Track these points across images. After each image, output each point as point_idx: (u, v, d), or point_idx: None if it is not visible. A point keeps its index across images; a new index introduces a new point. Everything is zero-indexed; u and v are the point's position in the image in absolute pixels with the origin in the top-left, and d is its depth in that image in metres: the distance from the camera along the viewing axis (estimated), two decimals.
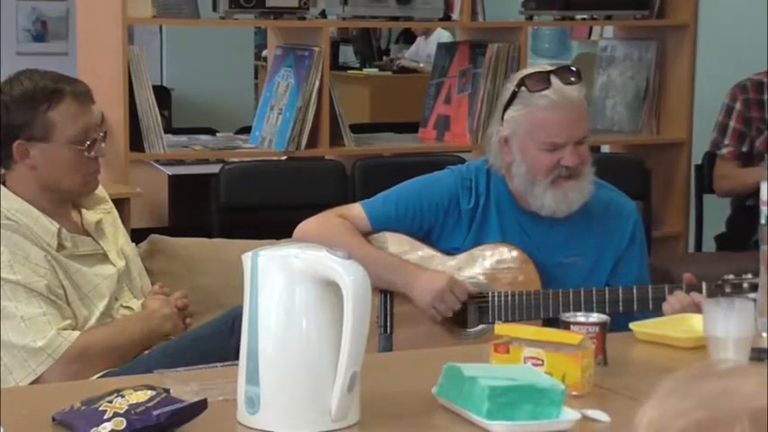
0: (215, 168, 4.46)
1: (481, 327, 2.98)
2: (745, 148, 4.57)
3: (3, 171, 2.89)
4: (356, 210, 3.07)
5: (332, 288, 2.03)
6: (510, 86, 2.98)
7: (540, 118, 2.90)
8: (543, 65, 3.12)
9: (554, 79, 2.90)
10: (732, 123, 4.58)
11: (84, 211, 2.97)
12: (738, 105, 4.57)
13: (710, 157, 4.70)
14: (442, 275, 2.95)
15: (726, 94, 4.67)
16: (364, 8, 4.60)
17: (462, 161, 3.81)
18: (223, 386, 2.19)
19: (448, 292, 2.92)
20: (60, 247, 2.84)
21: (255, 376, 2.06)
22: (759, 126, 4.56)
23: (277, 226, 3.19)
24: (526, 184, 2.96)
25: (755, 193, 4.26)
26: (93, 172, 2.90)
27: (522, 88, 2.92)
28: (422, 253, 3.03)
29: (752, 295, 2.61)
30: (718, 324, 2.35)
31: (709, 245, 4.91)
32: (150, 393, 2.02)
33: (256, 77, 8.15)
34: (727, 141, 4.59)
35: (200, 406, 2.02)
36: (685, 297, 2.81)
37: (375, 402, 2.14)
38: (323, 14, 4.70)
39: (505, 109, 2.96)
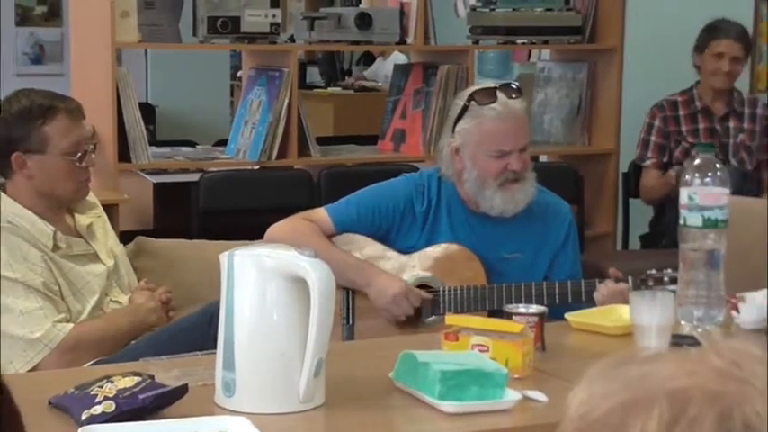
0: (195, 177, 4.44)
1: (433, 318, 2.97)
2: (665, 159, 4.63)
3: (2, 180, 2.87)
4: (321, 213, 3.07)
5: (300, 284, 2.02)
6: (459, 102, 2.99)
7: (489, 128, 2.91)
8: (489, 83, 3.14)
9: (499, 94, 2.92)
10: (653, 138, 4.64)
11: (76, 215, 2.95)
12: (657, 122, 4.64)
13: (636, 170, 4.74)
14: (398, 281, 2.94)
15: (647, 111, 4.72)
16: (328, 33, 4.59)
17: (416, 170, 3.81)
18: (202, 372, 2.18)
19: (403, 298, 2.91)
20: (55, 247, 2.82)
21: (231, 363, 2.05)
22: (677, 139, 4.63)
23: (251, 228, 3.18)
24: (477, 189, 2.97)
25: (676, 197, 4.34)
26: (84, 180, 2.89)
27: (472, 102, 2.93)
28: (381, 252, 3.03)
29: (672, 287, 2.63)
30: (643, 313, 2.36)
31: (634, 243, 4.94)
32: (137, 379, 2.01)
33: (232, 95, 8.11)
34: (650, 154, 4.64)
35: (182, 390, 2.01)
36: (613, 285, 2.83)
37: (339, 386, 2.14)
38: (292, 39, 4.68)
39: (456, 122, 2.97)
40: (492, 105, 2.91)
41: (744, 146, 4.61)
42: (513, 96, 2.93)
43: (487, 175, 2.93)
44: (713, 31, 4.60)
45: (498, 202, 2.95)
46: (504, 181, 2.93)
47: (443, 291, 2.98)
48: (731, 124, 4.62)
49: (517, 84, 3.05)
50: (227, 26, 4.34)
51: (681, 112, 4.64)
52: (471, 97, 2.93)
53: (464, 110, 2.95)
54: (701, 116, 4.62)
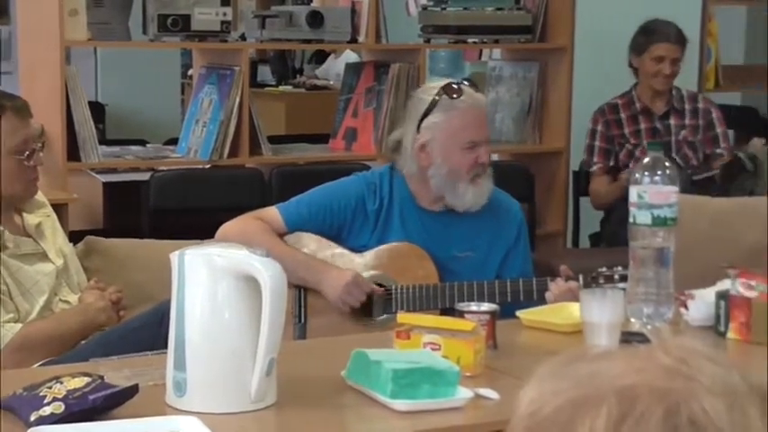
0: (145, 176, 4.41)
1: (386, 316, 2.98)
2: (611, 163, 4.68)
3: None
4: (273, 212, 3.06)
5: (251, 283, 2.01)
6: (426, 97, 2.99)
7: (460, 119, 2.94)
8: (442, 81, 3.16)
9: (465, 88, 2.97)
10: (597, 143, 4.69)
11: (25, 214, 2.92)
12: (600, 127, 4.68)
13: (585, 174, 4.78)
14: (348, 272, 2.95)
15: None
16: (280, 32, 4.58)
17: (368, 168, 3.81)
18: (153, 372, 2.16)
19: (354, 286, 2.91)
20: (3, 247, 2.79)
21: (182, 363, 2.04)
22: (620, 141, 4.67)
23: (202, 228, 3.16)
24: (447, 184, 2.98)
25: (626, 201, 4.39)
26: (32, 179, 2.86)
27: (443, 96, 2.95)
28: (332, 251, 3.02)
29: (622, 285, 2.65)
30: (593, 311, 2.38)
31: (584, 241, 4.97)
32: (86, 380, 1.99)
33: (183, 94, 8.06)
34: (596, 159, 4.69)
35: (132, 390, 2.00)
36: (564, 284, 2.85)
37: (290, 385, 2.13)
38: (243, 37, 4.66)
39: (423, 118, 2.98)
40: (462, 98, 2.95)
41: (686, 142, 4.67)
42: (476, 90, 3.02)
43: (460, 169, 2.95)
44: (651, 34, 4.64)
45: (470, 197, 2.98)
46: (475, 175, 2.96)
47: (395, 289, 2.98)
48: (672, 122, 4.68)
49: (472, 80, 3.10)
50: (177, 24, 4.31)
51: (622, 115, 4.69)
52: (441, 91, 2.96)
53: (433, 104, 2.96)
54: (641, 117, 4.68)
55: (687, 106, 4.71)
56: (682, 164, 4.63)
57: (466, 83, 3.02)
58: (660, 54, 4.60)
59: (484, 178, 2.98)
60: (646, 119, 4.68)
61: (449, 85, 2.98)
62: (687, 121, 4.69)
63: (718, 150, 4.71)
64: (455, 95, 2.95)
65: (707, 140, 4.70)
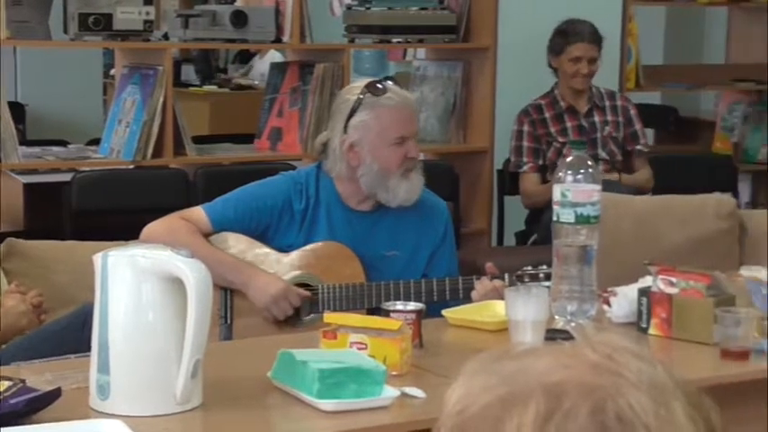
0: (67, 177, 4.35)
1: (312, 316, 2.97)
2: (540, 162, 4.71)
3: None
4: (198, 213, 3.03)
5: (176, 284, 2.00)
6: (350, 97, 2.99)
7: (388, 116, 2.95)
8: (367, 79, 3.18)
9: (390, 85, 2.98)
10: (525, 143, 4.73)
11: None
12: (526, 127, 4.73)
13: (512, 176, 4.81)
14: (277, 281, 2.93)
15: (524, 105, 4.80)
16: (203, 31, 4.55)
17: (294, 168, 3.80)
18: (76, 375, 2.13)
19: (282, 299, 2.90)
20: None
21: (106, 365, 2.02)
22: (547, 140, 4.72)
23: (126, 229, 3.13)
24: (378, 181, 2.98)
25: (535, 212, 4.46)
26: None
27: (367, 95, 2.95)
28: (258, 251, 3.01)
29: (546, 283, 2.67)
30: (518, 309, 2.40)
31: (509, 240, 5.00)
32: (7, 384, 1.96)
33: (105, 94, 7.97)
34: (526, 159, 4.72)
35: (55, 394, 1.97)
36: (489, 283, 2.87)
37: (216, 386, 2.12)
38: (166, 37, 4.62)
39: (349, 118, 2.97)
40: (388, 95, 2.95)
41: (611, 137, 4.74)
42: (401, 86, 3.03)
43: (390, 165, 2.95)
44: (567, 35, 4.71)
45: (402, 192, 2.98)
46: (406, 170, 2.97)
47: (322, 289, 2.98)
48: (596, 118, 4.75)
49: (395, 79, 3.11)
50: (99, 23, 4.26)
51: (546, 114, 4.75)
52: (366, 90, 2.96)
53: (359, 103, 2.96)
54: (566, 115, 4.74)
55: (607, 103, 4.79)
56: (609, 159, 4.69)
57: (390, 81, 3.04)
58: (577, 54, 4.67)
59: (415, 172, 2.99)
60: (571, 117, 4.74)
61: (372, 83, 2.99)
62: (609, 118, 4.76)
63: (639, 147, 4.78)
64: (379, 93, 2.95)
65: (627, 137, 4.77)
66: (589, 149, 4.63)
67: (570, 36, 4.69)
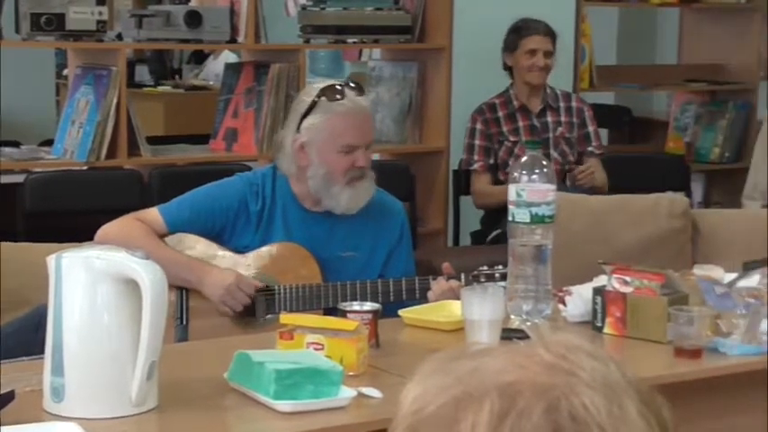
0: (20, 178, 4.32)
1: (269, 317, 2.96)
2: (491, 161, 4.74)
3: None
4: (153, 214, 3.02)
5: (131, 286, 1.99)
6: (306, 98, 2.98)
7: (338, 123, 2.93)
8: (322, 81, 3.16)
9: (347, 91, 2.95)
10: (477, 142, 4.76)
11: None
12: (479, 126, 4.76)
13: (466, 174, 4.83)
14: (230, 273, 2.93)
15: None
16: (157, 31, 4.53)
17: (249, 169, 3.79)
18: (30, 378, 2.12)
19: (236, 288, 2.90)
20: None
21: (60, 368, 2.00)
22: (499, 139, 4.75)
23: (80, 230, 3.11)
24: (323, 185, 2.97)
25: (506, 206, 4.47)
26: None
27: (322, 98, 2.94)
28: (214, 252, 3.00)
29: (502, 283, 2.68)
30: (474, 309, 2.40)
31: (467, 239, 5.02)
32: None
33: (58, 94, 7.91)
34: (476, 158, 4.75)
35: (8, 397, 1.95)
36: (445, 283, 2.87)
37: (172, 388, 2.11)
38: (119, 37, 4.60)
39: (303, 118, 2.97)
40: (341, 101, 2.93)
41: (563, 138, 4.78)
42: (361, 92, 2.98)
43: (335, 172, 2.94)
44: (521, 29, 4.76)
45: (345, 200, 2.97)
46: (351, 178, 2.95)
47: (278, 290, 2.97)
48: (549, 119, 4.79)
49: (358, 83, 3.09)
50: (51, 23, 4.23)
51: (500, 113, 4.78)
52: (321, 93, 2.95)
53: (312, 105, 2.95)
54: (519, 114, 4.77)
55: (562, 104, 4.82)
56: (560, 159, 4.72)
57: (352, 85, 3.01)
58: (532, 47, 4.71)
59: (363, 181, 2.97)
60: (523, 116, 4.77)
61: (330, 87, 2.97)
62: (563, 118, 4.80)
63: (590, 148, 4.81)
64: (334, 98, 2.94)
65: (580, 138, 4.81)
66: (542, 149, 4.66)
67: (524, 30, 4.73)
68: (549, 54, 4.75)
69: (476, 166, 4.74)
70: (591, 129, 4.83)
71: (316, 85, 3.08)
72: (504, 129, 4.76)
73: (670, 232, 4.01)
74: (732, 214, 4.44)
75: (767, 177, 5.13)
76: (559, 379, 0.88)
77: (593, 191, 4.58)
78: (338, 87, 2.96)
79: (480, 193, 4.76)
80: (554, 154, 4.72)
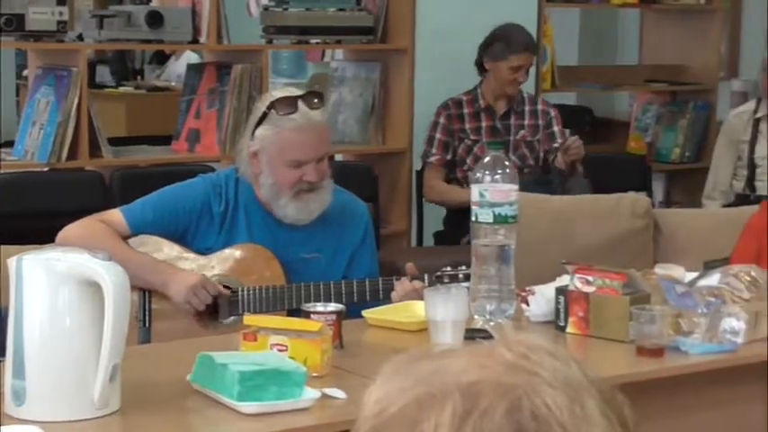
0: None
1: (232, 318, 2.96)
2: (449, 156, 4.76)
3: None
4: (116, 215, 3.01)
5: (93, 288, 1.98)
6: (261, 106, 2.97)
7: (286, 138, 2.91)
8: (293, 89, 3.16)
9: (301, 104, 2.92)
10: (438, 135, 4.77)
11: None
12: (442, 120, 4.78)
13: (422, 165, 4.85)
14: (194, 274, 2.92)
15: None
16: (118, 32, 4.50)
17: (212, 170, 3.78)
18: None
19: (200, 288, 2.89)
20: None
21: (21, 371, 1.99)
22: (460, 136, 4.78)
23: (41, 232, 3.08)
24: (272, 195, 2.97)
25: (456, 207, 4.50)
26: None
27: (272, 111, 2.92)
28: (177, 253, 2.99)
29: (465, 284, 2.69)
30: (438, 309, 2.41)
31: (430, 239, 5.03)
32: None
33: (18, 95, 7.85)
34: (434, 151, 4.77)
35: None
36: (409, 284, 2.88)
37: (135, 390, 2.10)
38: (80, 37, 4.56)
39: (256, 126, 2.96)
40: (291, 116, 2.90)
41: (524, 141, 4.80)
42: (316, 104, 2.93)
43: (282, 185, 2.94)
44: (510, 44, 4.73)
45: (291, 212, 2.96)
46: (299, 191, 2.94)
47: (242, 291, 2.97)
48: (512, 121, 4.81)
49: (321, 92, 3.06)
50: (11, 24, 4.19)
51: (465, 110, 4.81)
52: (272, 105, 2.93)
53: (264, 116, 2.94)
54: (483, 114, 4.79)
55: (527, 107, 4.85)
56: (518, 163, 4.75)
57: (316, 95, 2.97)
58: (519, 64, 4.73)
59: (313, 194, 2.95)
60: (487, 117, 4.79)
61: (282, 99, 2.93)
62: (526, 122, 4.83)
63: (555, 145, 4.84)
64: (285, 112, 2.91)
65: (545, 138, 4.84)
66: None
67: (513, 45, 4.73)
68: (529, 68, 4.80)
69: (432, 159, 4.77)
70: (556, 128, 4.86)
71: (275, 92, 3.06)
72: (467, 126, 4.78)
73: (632, 232, 4.04)
74: (693, 214, 4.48)
75: (727, 177, 5.19)
76: (521, 379, 0.88)
77: (573, 168, 4.61)
78: (292, 100, 2.92)
79: (430, 187, 4.79)
80: (513, 157, 4.74)
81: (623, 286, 2.55)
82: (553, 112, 4.89)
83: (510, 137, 4.79)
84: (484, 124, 4.79)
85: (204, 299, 2.90)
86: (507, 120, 4.81)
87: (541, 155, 4.82)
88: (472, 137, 4.76)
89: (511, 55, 4.73)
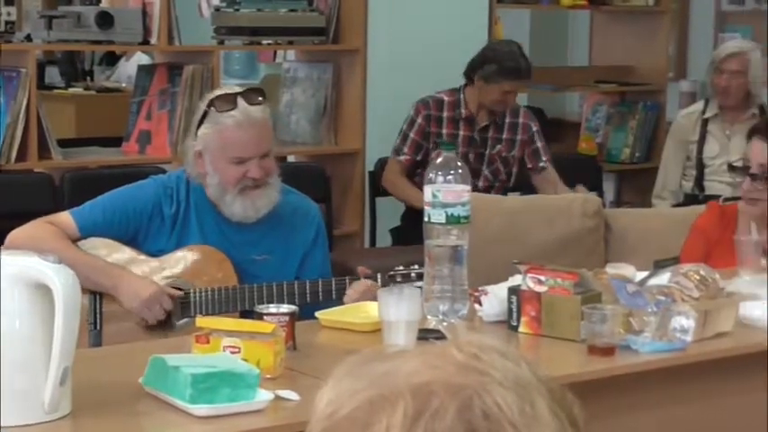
0: None
1: (184, 320, 2.94)
2: (419, 158, 4.72)
3: None
4: (65, 218, 2.98)
5: (43, 291, 1.96)
6: (202, 106, 2.97)
7: (227, 136, 2.90)
8: (232, 86, 3.13)
9: (240, 101, 2.91)
10: (412, 135, 4.72)
11: None
12: (420, 120, 4.71)
13: (389, 159, 4.82)
14: (149, 284, 2.89)
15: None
16: (68, 32, 4.47)
17: (163, 172, 3.76)
18: None
19: (155, 302, 2.87)
20: None
21: None
22: (435, 140, 4.70)
23: None
24: (218, 194, 2.96)
25: (411, 208, 4.49)
26: None
27: (212, 108, 2.91)
28: (129, 256, 2.97)
29: (418, 284, 2.69)
30: (391, 310, 2.41)
31: (383, 240, 5.03)
32: None
33: None
34: (406, 150, 4.73)
35: None
36: (362, 285, 2.88)
37: (86, 394, 2.09)
38: (28, 38, 4.52)
39: (198, 126, 2.95)
40: (231, 113, 2.90)
41: (500, 156, 4.75)
42: (255, 102, 2.93)
43: (226, 182, 2.93)
44: (505, 69, 4.60)
45: (238, 209, 2.95)
46: (244, 188, 2.93)
47: (194, 293, 2.95)
48: (490, 134, 4.75)
49: (261, 87, 3.05)
50: None
51: (445, 114, 4.72)
52: (211, 103, 2.92)
53: (204, 115, 2.93)
54: (463, 123, 4.72)
55: (507, 119, 4.77)
56: (490, 178, 4.72)
57: (257, 91, 2.97)
58: (510, 89, 4.65)
59: (259, 190, 2.94)
60: (466, 126, 4.73)
61: (221, 96, 2.93)
62: (504, 136, 4.75)
63: (541, 164, 4.80)
64: (224, 109, 2.91)
65: (529, 155, 4.78)
66: (475, 163, 4.67)
67: (507, 72, 4.60)
68: (519, 91, 4.72)
69: (402, 158, 4.72)
70: (540, 145, 4.78)
71: (217, 91, 3.05)
72: (444, 131, 4.70)
73: (583, 232, 4.07)
74: (643, 214, 4.52)
75: (676, 177, 5.24)
76: (472, 379, 0.89)
77: None
78: (231, 97, 2.92)
79: (390, 181, 4.76)
80: (485, 171, 4.71)
81: (575, 286, 2.56)
82: (535, 127, 4.79)
83: (486, 150, 4.74)
84: (462, 133, 4.72)
85: (157, 314, 2.88)
86: (486, 133, 4.74)
87: (514, 170, 4.78)
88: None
89: (503, 80, 4.60)
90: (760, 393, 2.59)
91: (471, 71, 4.70)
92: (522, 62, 4.69)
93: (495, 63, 4.64)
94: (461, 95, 4.73)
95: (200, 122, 2.95)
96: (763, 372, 2.59)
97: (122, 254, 2.97)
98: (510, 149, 4.75)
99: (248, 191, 2.93)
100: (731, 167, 3.37)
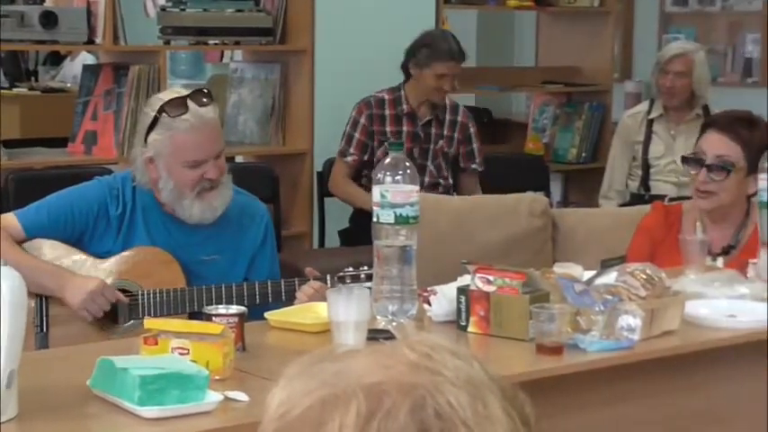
0: None
1: (132, 322, 2.93)
2: (366, 157, 4.74)
3: None
4: (10, 219, 2.96)
5: None
6: (150, 112, 2.94)
7: (181, 140, 2.89)
8: (178, 87, 3.12)
9: (190, 103, 2.90)
10: (357, 135, 4.75)
11: None
12: (363, 120, 4.74)
13: (335, 160, 4.83)
14: (92, 279, 2.88)
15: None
16: (11, 32, 4.42)
17: (110, 172, 3.73)
18: None
19: (98, 294, 2.85)
20: None
21: None
22: (380, 138, 4.74)
23: None
24: (174, 198, 2.95)
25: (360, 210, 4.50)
26: None
27: (163, 114, 2.89)
28: (75, 257, 2.95)
29: (368, 284, 2.70)
30: (340, 310, 2.41)
31: (332, 240, 5.03)
32: None
33: None
34: (352, 150, 4.75)
35: None
36: (312, 285, 2.88)
37: (33, 396, 2.07)
38: None
39: (148, 132, 2.93)
40: (184, 117, 2.88)
41: (442, 152, 4.79)
42: (205, 102, 2.92)
43: (183, 186, 2.92)
44: (437, 51, 4.68)
45: (197, 211, 2.94)
46: (201, 190, 2.92)
47: (142, 294, 2.94)
48: (433, 130, 4.79)
49: (208, 89, 3.03)
50: None
51: (387, 112, 4.77)
52: (162, 109, 2.90)
53: (155, 121, 2.91)
54: (405, 119, 4.76)
55: (448, 117, 4.82)
56: (435, 173, 4.75)
57: (204, 93, 2.95)
58: (444, 72, 4.69)
59: (215, 191, 2.94)
60: (409, 122, 4.76)
61: (172, 101, 2.91)
62: (446, 132, 4.81)
63: (473, 166, 4.84)
64: (176, 114, 2.89)
65: (463, 155, 4.82)
66: (420, 159, 4.70)
67: (438, 52, 4.67)
68: (455, 76, 4.75)
69: (349, 159, 4.74)
70: (475, 146, 4.84)
71: (160, 95, 3.03)
72: (388, 129, 4.74)
73: (530, 231, 4.09)
74: (590, 213, 4.55)
75: (622, 177, 5.29)
76: (424, 378, 0.89)
77: None
78: (181, 100, 2.90)
79: (336, 183, 4.78)
80: (430, 166, 4.74)
81: (523, 285, 2.58)
82: (472, 128, 4.85)
83: (430, 145, 4.77)
84: (405, 129, 4.76)
85: (102, 305, 2.86)
86: (429, 128, 4.78)
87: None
88: (392, 140, 4.73)
89: (435, 62, 4.67)
90: (705, 390, 2.63)
91: (407, 62, 4.76)
92: (454, 44, 4.75)
93: (426, 47, 4.72)
94: (402, 92, 4.78)
95: (150, 129, 2.92)
96: (707, 369, 2.62)
97: (69, 255, 2.94)
98: (449, 146, 4.81)
99: (205, 193, 2.93)
100: (684, 159, 3.39)
